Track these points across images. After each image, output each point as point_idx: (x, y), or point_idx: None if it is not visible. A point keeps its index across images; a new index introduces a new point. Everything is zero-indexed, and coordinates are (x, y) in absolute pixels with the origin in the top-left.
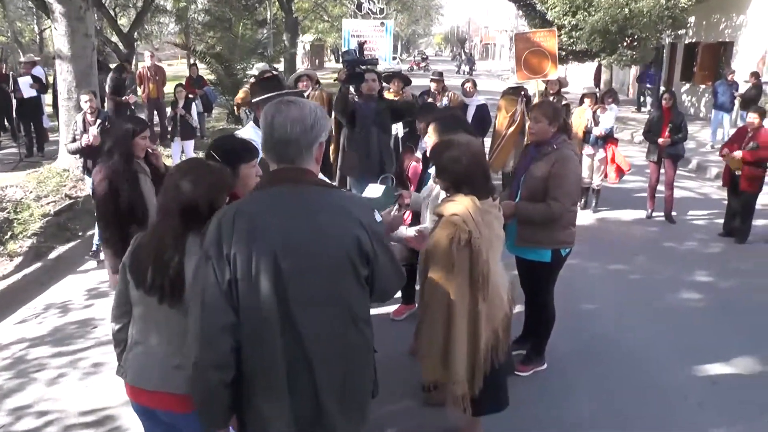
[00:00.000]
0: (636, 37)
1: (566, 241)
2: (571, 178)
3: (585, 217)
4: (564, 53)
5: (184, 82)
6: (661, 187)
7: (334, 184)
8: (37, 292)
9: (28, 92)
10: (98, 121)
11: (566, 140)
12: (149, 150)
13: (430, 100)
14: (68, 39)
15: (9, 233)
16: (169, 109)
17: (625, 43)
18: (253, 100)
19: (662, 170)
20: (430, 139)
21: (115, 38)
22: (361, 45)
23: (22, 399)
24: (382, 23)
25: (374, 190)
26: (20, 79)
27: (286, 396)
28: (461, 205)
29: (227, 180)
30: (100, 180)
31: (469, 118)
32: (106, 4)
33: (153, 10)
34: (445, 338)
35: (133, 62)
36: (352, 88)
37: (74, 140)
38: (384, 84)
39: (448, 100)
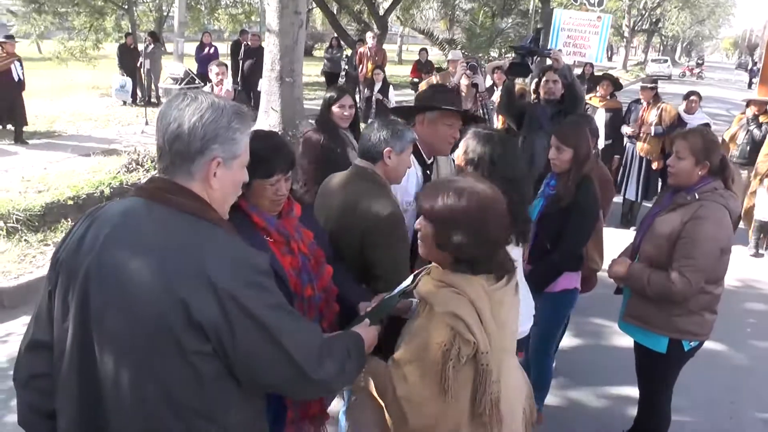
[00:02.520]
0: None
1: (691, 332)
2: (708, 246)
3: None
4: None
5: (411, 67)
6: None
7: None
8: None
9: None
10: (226, 89)
11: (717, 189)
12: None
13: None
14: (278, 14)
15: None
16: (366, 90)
17: None
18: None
19: None
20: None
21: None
22: (538, 32)
23: None
24: (599, 17)
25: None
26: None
27: None
28: (464, 296)
29: None
30: (302, 152)
31: None
32: None
33: None
34: None
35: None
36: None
37: None
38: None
39: (658, 113)
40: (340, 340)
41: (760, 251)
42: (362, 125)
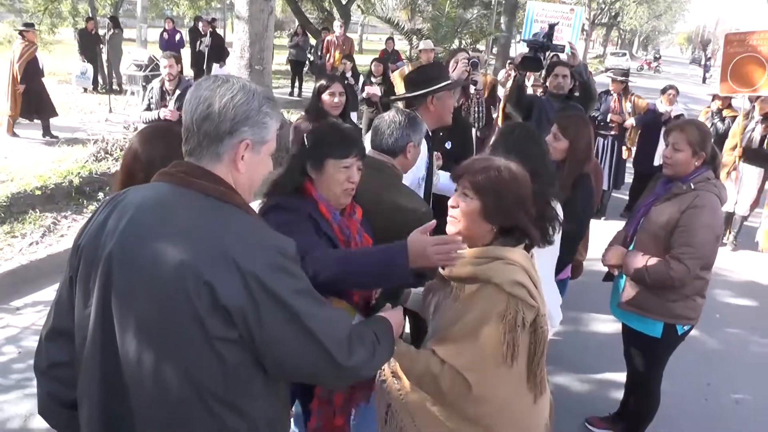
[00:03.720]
0: None
1: (685, 316)
2: (705, 234)
3: None
4: None
5: (378, 56)
6: None
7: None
8: None
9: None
10: (177, 92)
11: (710, 179)
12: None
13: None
14: (248, 1)
15: None
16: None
17: None
18: (398, 96)
19: None
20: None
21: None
22: (551, 27)
23: None
24: (572, 9)
25: None
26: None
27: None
28: (516, 265)
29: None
30: (292, 141)
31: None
32: None
33: None
34: None
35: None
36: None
37: (149, 108)
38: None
39: (632, 106)
40: (368, 327)
41: (723, 240)
42: None
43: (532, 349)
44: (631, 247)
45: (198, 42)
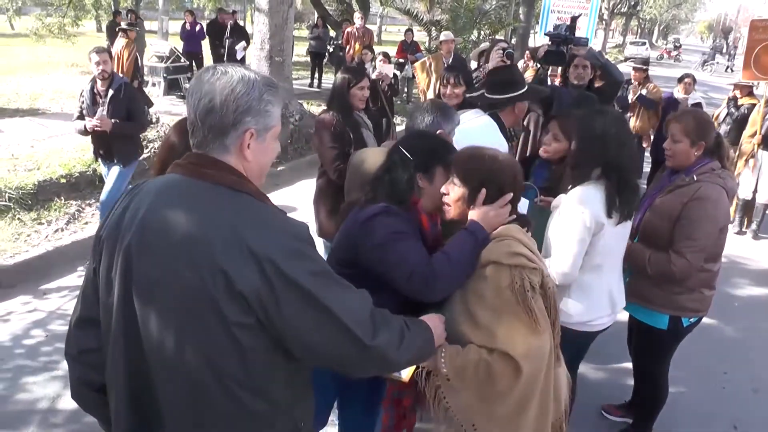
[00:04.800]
0: None
1: (691, 309)
2: (708, 227)
3: None
4: None
5: (397, 47)
6: None
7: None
8: None
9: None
10: (110, 92)
11: (715, 170)
12: None
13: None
14: None
15: None
16: None
17: None
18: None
19: None
20: None
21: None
22: (574, 20)
23: None
24: None
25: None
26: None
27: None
28: (507, 238)
29: None
30: (314, 135)
31: None
32: None
33: None
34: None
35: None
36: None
37: (81, 116)
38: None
39: (646, 92)
40: (397, 316)
41: (743, 229)
42: None
43: (548, 312)
44: (635, 239)
45: (226, 40)
